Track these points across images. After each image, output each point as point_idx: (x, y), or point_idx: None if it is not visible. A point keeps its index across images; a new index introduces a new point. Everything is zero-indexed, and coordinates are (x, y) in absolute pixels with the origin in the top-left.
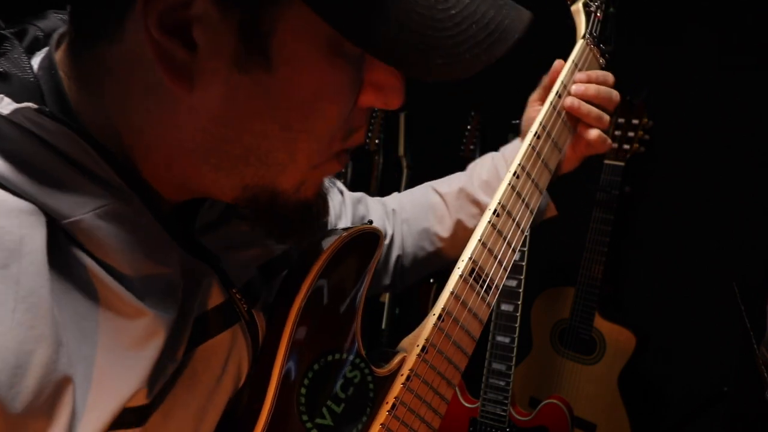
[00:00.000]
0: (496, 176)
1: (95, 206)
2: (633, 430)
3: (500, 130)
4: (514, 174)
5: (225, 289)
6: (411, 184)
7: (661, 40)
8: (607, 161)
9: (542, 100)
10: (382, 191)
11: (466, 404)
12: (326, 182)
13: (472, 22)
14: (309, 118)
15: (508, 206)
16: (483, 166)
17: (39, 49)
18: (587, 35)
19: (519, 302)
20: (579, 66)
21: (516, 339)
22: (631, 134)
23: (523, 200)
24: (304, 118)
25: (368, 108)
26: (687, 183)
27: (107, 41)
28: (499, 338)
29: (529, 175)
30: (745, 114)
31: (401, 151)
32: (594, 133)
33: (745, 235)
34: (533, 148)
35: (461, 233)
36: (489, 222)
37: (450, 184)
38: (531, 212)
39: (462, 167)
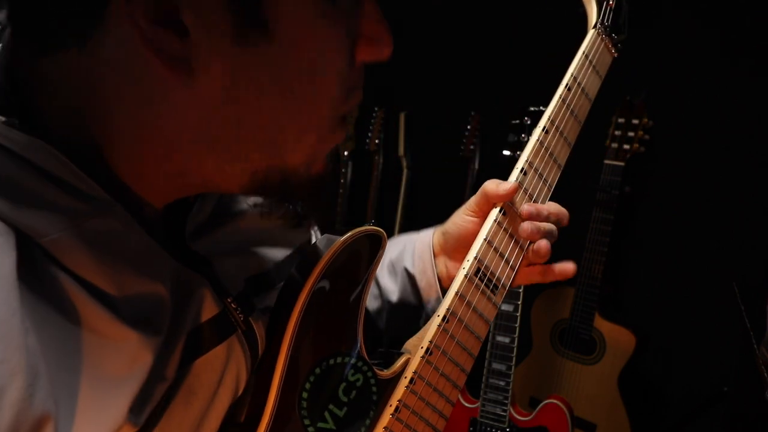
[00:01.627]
0: (399, 259)
1: (75, 221)
2: (633, 430)
3: (500, 130)
4: (521, 170)
5: (219, 299)
6: (411, 184)
7: (661, 40)
8: (607, 161)
9: (480, 211)
10: (382, 191)
11: (466, 404)
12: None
13: None
14: (313, 81)
15: (515, 204)
16: (398, 242)
17: None
18: (599, 25)
19: (519, 302)
20: (590, 58)
21: (516, 339)
22: (631, 134)
23: (531, 196)
24: (308, 83)
25: (362, 66)
26: (687, 183)
27: (75, 50)
28: (499, 338)
29: (536, 170)
30: (744, 114)
31: (401, 151)
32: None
33: (745, 235)
34: (539, 147)
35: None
36: (495, 220)
37: None
38: None
39: (462, 167)
